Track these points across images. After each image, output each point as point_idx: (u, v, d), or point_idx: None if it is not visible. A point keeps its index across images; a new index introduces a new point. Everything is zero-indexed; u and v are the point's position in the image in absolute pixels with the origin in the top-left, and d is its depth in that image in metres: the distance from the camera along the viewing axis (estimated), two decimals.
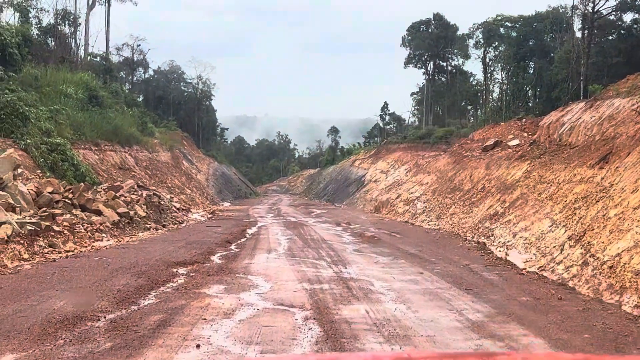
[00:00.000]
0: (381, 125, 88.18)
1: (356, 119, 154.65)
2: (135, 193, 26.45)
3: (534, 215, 20.58)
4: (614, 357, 4.41)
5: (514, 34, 56.04)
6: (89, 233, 19.65)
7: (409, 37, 69.71)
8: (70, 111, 31.22)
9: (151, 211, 25.75)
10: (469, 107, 71.93)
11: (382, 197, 43.02)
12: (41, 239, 17.13)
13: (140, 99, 72.11)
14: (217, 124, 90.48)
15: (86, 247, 18.16)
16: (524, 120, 37.17)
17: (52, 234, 17.74)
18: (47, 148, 26.33)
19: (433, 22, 69.14)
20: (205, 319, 8.37)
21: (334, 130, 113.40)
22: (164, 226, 25.39)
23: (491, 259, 16.17)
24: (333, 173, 77.46)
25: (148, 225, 24.00)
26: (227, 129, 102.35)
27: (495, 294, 10.74)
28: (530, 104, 51.76)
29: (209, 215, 32.56)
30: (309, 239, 20.98)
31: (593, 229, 13.28)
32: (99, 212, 21.84)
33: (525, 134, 34.92)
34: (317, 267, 13.60)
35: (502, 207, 24.38)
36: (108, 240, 20.00)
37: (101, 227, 20.84)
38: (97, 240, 19.49)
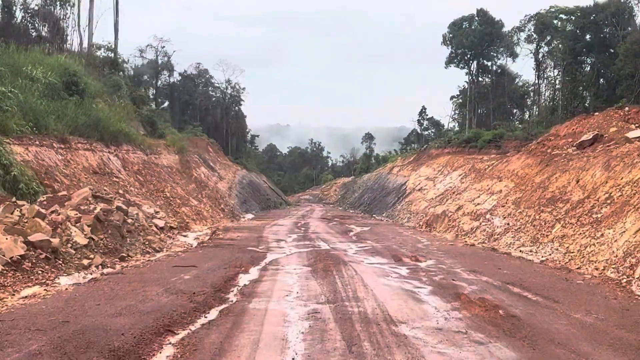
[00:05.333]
0: (419, 130, 76.98)
1: (390, 127, 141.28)
2: (86, 207, 15.94)
3: None
4: None
5: (569, 27, 45.90)
6: None
7: (451, 35, 58.80)
8: (26, 97, 21.12)
9: (104, 235, 15.20)
10: (514, 110, 61.52)
11: (435, 210, 31.81)
12: None
13: (166, 104, 62.89)
14: (247, 130, 79.66)
15: None
16: (626, 109, 26.23)
17: None
18: None
19: (477, 18, 58.15)
20: None
21: (368, 137, 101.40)
22: (122, 259, 14.83)
23: None
24: (369, 182, 66.45)
25: (88, 260, 13.42)
26: (257, 136, 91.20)
27: None
28: (587, 104, 41.89)
29: (207, 237, 21.67)
30: (357, 319, 8.93)
31: None
32: None
33: (633, 126, 24.43)
34: None
35: None
36: None
37: None
38: None
